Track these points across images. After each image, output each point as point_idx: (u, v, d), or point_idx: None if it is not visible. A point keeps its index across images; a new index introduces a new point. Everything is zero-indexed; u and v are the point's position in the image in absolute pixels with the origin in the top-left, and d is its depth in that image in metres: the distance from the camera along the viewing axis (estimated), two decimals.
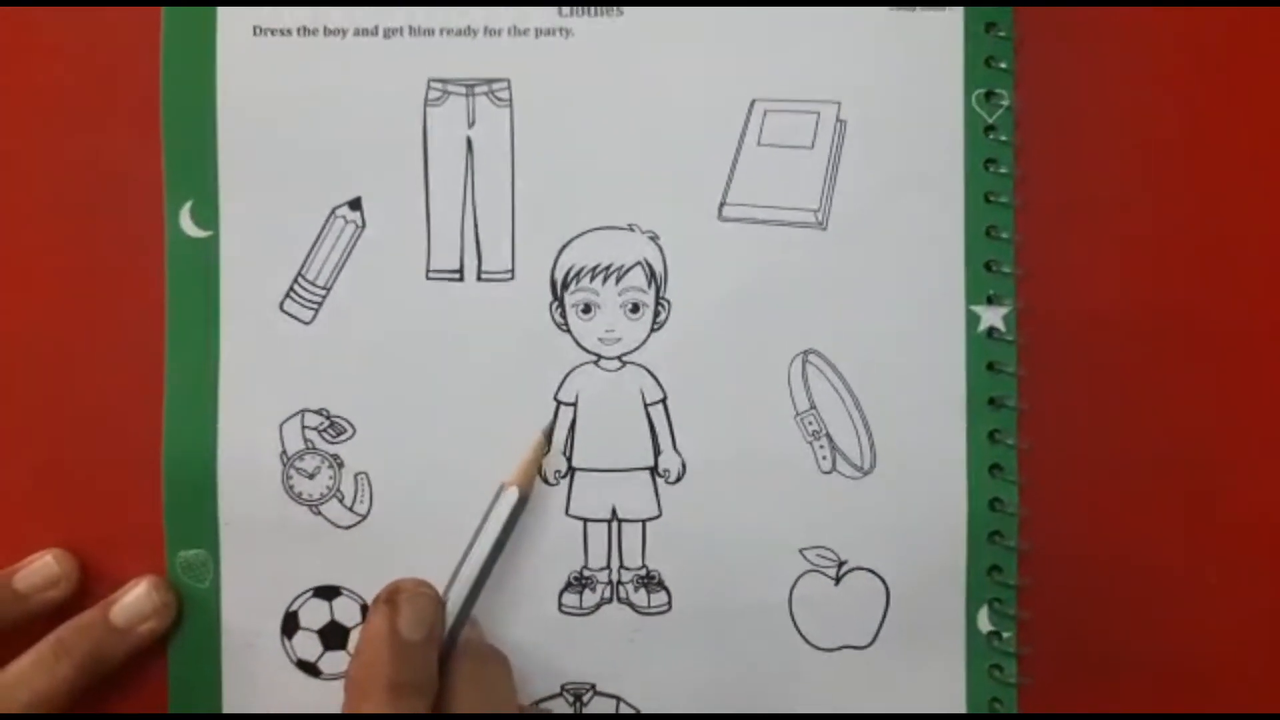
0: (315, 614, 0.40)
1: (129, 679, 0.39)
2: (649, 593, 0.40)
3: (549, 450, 0.40)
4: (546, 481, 0.40)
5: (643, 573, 0.40)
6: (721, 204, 0.40)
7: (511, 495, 0.38)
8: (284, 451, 0.40)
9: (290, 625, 0.40)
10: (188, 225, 0.40)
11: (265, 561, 0.40)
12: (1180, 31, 0.41)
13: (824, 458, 0.40)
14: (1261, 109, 0.41)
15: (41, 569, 0.40)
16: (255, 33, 0.40)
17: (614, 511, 0.40)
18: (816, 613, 0.40)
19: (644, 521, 0.40)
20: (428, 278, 0.40)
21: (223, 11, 0.40)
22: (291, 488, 0.40)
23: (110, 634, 0.39)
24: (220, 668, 0.40)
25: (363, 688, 0.35)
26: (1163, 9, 0.40)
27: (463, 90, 0.40)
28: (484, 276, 0.40)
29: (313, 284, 0.40)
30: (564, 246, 0.40)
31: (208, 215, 0.40)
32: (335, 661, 0.40)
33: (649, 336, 0.40)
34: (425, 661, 0.36)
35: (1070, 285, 0.40)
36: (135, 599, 0.39)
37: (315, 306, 0.40)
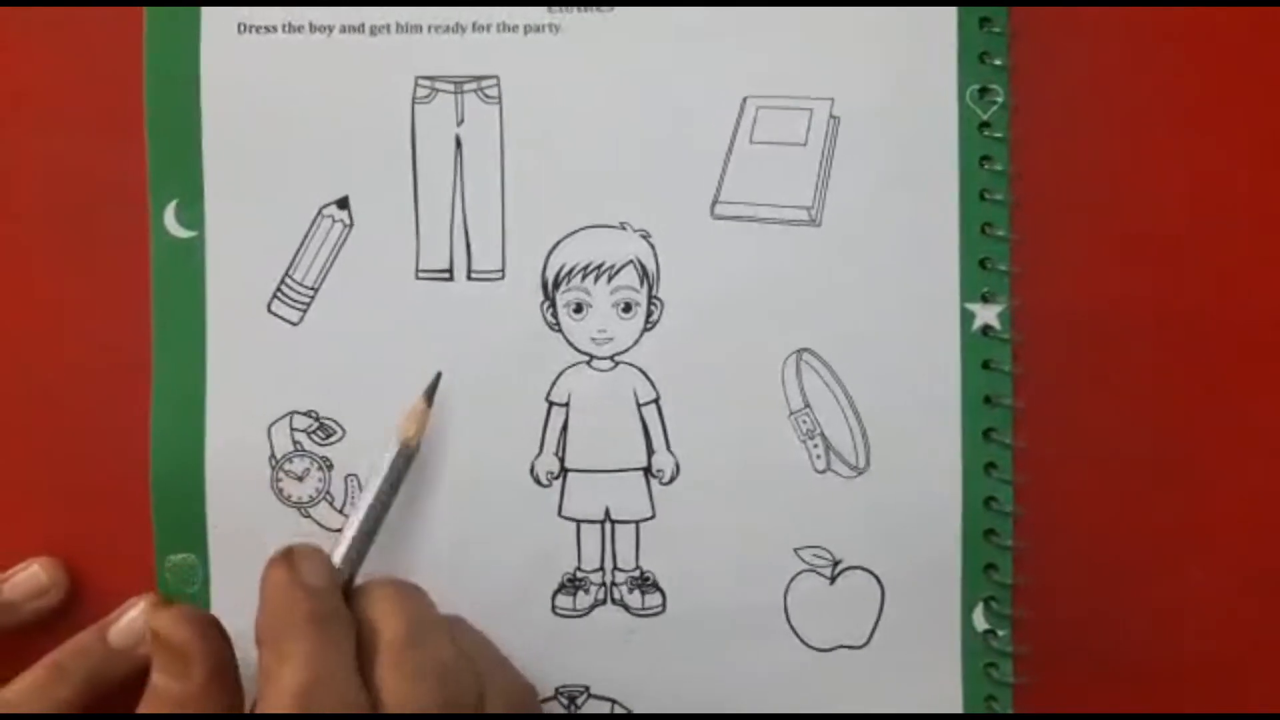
0: None
1: (124, 694, 0.39)
2: (643, 594, 0.40)
3: (430, 406, 0.39)
4: (539, 483, 0.40)
5: (637, 574, 0.40)
6: (714, 202, 0.40)
7: (398, 448, 0.38)
8: (273, 454, 0.40)
9: None
10: (173, 226, 0.40)
11: (254, 565, 0.39)
12: (1176, 28, 0.40)
13: (818, 457, 0.40)
14: (1258, 106, 0.40)
15: (29, 578, 0.39)
16: (240, 30, 0.40)
17: (607, 512, 0.40)
18: (812, 612, 0.40)
19: (637, 522, 0.40)
20: (417, 277, 0.40)
21: (206, 9, 0.40)
22: (280, 490, 0.40)
23: (109, 656, 0.38)
24: None
25: (279, 630, 0.33)
26: (1158, 7, 0.40)
27: (451, 88, 0.40)
28: (474, 276, 0.40)
29: (300, 284, 0.40)
30: (555, 245, 0.40)
31: (193, 215, 0.40)
32: None
33: (641, 336, 0.40)
34: (337, 599, 0.35)
35: (1066, 283, 0.40)
36: (133, 619, 0.39)
37: (303, 307, 0.40)
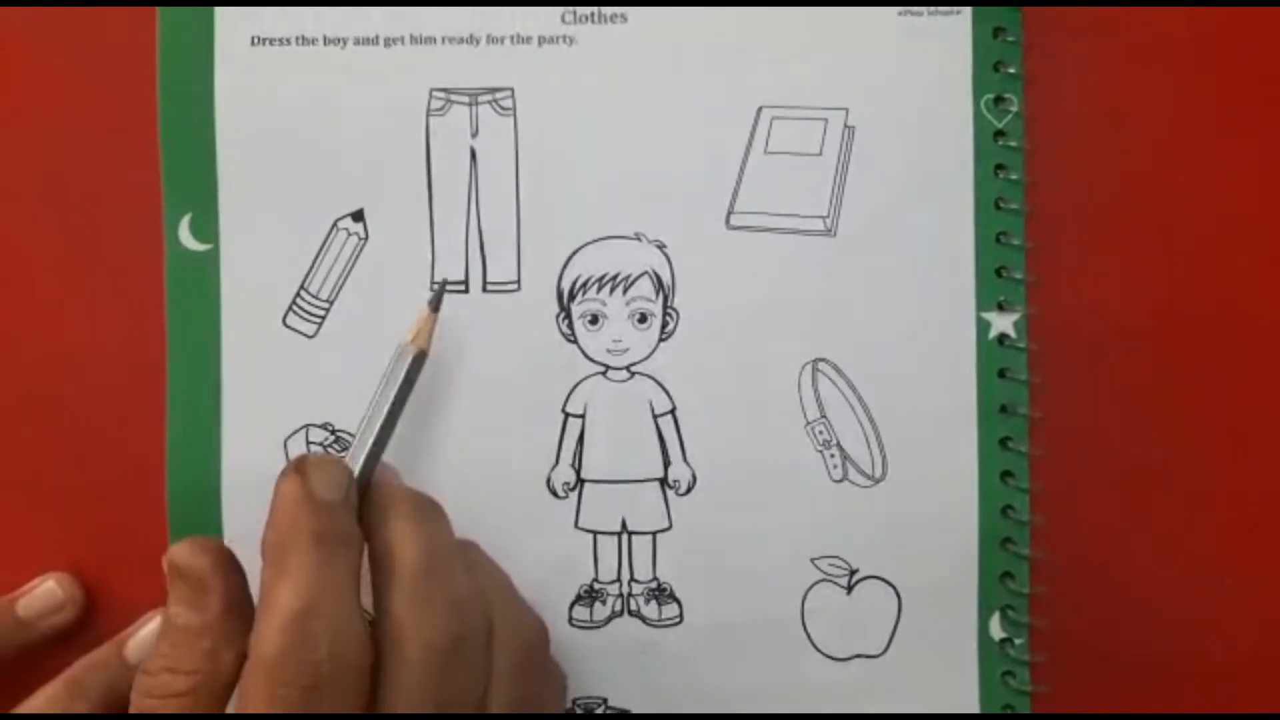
0: None
1: None
2: (660, 605, 0.40)
3: (437, 312, 0.38)
4: (555, 494, 0.40)
5: (653, 585, 0.40)
6: (729, 212, 0.40)
7: (409, 353, 0.37)
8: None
9: None
10: (187, 239, 0.40)
11: None
12: (1190, 33, 0.40)
13: (835, 467, 0.40)
14: (1274, 112, 0.40)
15: (44, 595, 0.39)
16: (253, 43, 0.40)
17: (624, 523, 0.40)
18: (829, 622, 0.40)
19: (654, 533, 0.40)
20: (431, 289, 0.40)
21: (220, 22, 0.39)
22: None
23: (126, 671, 0.38)
24: None
25: (282, 546, 0.32)
26: (1172, 9, 0.40)
27: (466, 99, 0.40)
28: (489, 288, 0.40)
29: (315, 297, 0.40)
30: (570, 257, 0.40)
31: (207, 228, 0.40)
32: None
33: (657, 347, 0.40)
34: (347, 518, 0.34)
35: (1082, 291, 0.40)
36: (150, 634, 0.39)
37: (318, 320, 0.40)
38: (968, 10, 0.40)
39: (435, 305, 0.38)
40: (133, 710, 0.33)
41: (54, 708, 0.37)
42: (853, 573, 0.40)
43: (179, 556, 0.34)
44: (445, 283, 0.39)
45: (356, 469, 0.36)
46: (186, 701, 0.33)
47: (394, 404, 0.37)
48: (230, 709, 0.33)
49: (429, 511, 0.35)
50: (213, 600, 0.34)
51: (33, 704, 0.37)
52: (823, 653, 0.40)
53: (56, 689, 0.38)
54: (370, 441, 0.36)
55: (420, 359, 0.38)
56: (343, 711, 0.31)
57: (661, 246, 0.40)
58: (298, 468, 0.34)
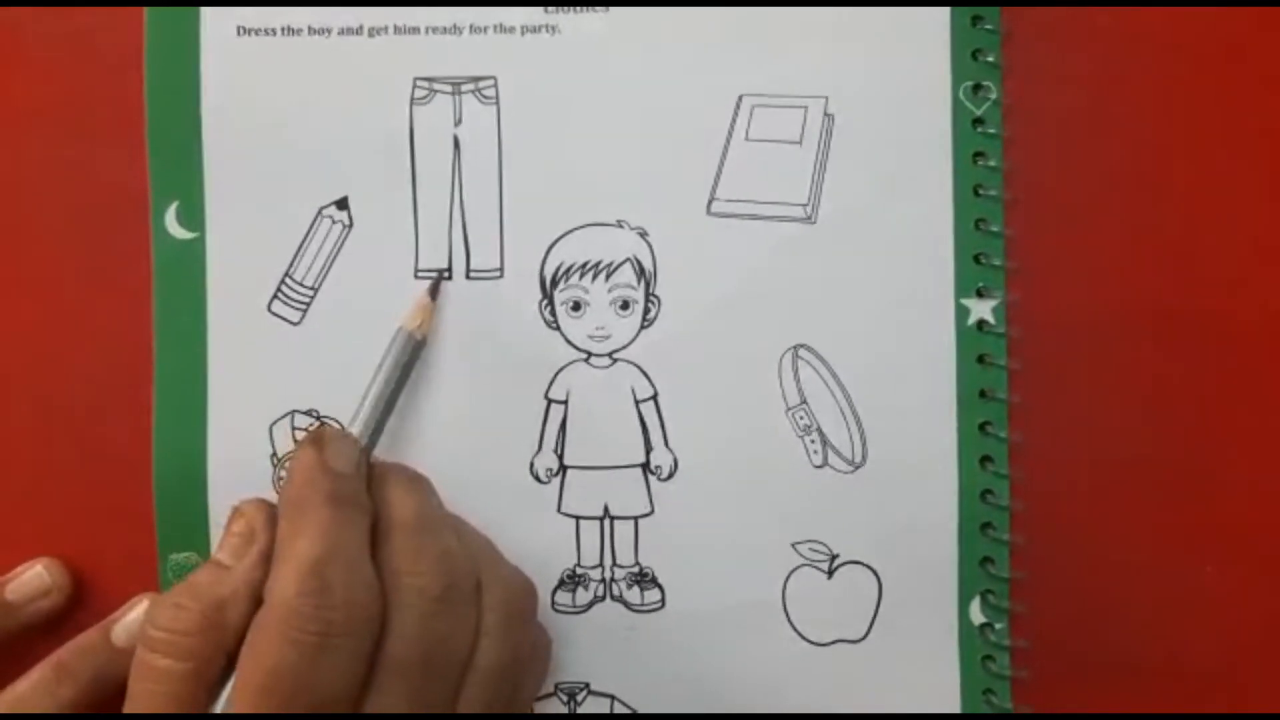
0: None
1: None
2: (642, 590, 0.40)
3: (437, 295, 0.40)
4: (538, 480, 0.40)
5: (636, 570, 0.40)
6: (710, 200, 0.40)
7: (411, 340, 0.39)
8: (274, 453, 0.40)
9: None
10: (174, 227, 0.40)
11: None
12: (1166, 26, 0.41)
13: (815, 452, 0.40)
14: (1249, 104, 0.41)
15: (32, 579, 0.40)
16: (239, 33, 0.40)
17: (606, 509, 0.40)
18: (810, 607, 0.40)
19: (636, 519, 0.40)
20: (416, 276, 0.40)
21: (206, 12, 0.40)
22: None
23: (112, 654, 0.38)
24: None
25: (300, 504, 0.35)
26: (1149, 7, 0.40)
27: (449, 89, 0.40)
28: (473, 275, 0.40)
29: (300, 284, 0.40)
30: (553, 244, 0.40)
31: (194, 217, 0.40)
32: None
33: (639, 333, 0.40)
34: (359, 486, 0.36)
35: (1060, 278, 0.40)
36: (137, 618, 0.39)
37: (303, 307, 0.40)
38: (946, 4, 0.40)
39: (434, 294, 0.39)
40: (138, 645, 0.34)
41: (41, 690, 0.38)
42: (833, 557, 0.40)
43: (247, 506, 0.37)
44: (443, 273, 0.40)
45: (364, 439, 0.38)
46: (190, 644, 0.34)
47: (394, 389, 0.38)
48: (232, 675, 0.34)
49: (421, 480, 0.38)
50: (252, 553, 0.36)
51: (19, 687, 0.38)
52: (804, 637, 0.40)
53: (43, 672, 0.38)
54: (370, 424, 0.38)
55: (419, 346, 0.39)
56: (353, 658, 0.33)
57: (643, 234, 0.40)
58: (315, 439, 0.36)
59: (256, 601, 0.34)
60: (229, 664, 0.34)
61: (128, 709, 0.34)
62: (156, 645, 0.34)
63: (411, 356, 0.39)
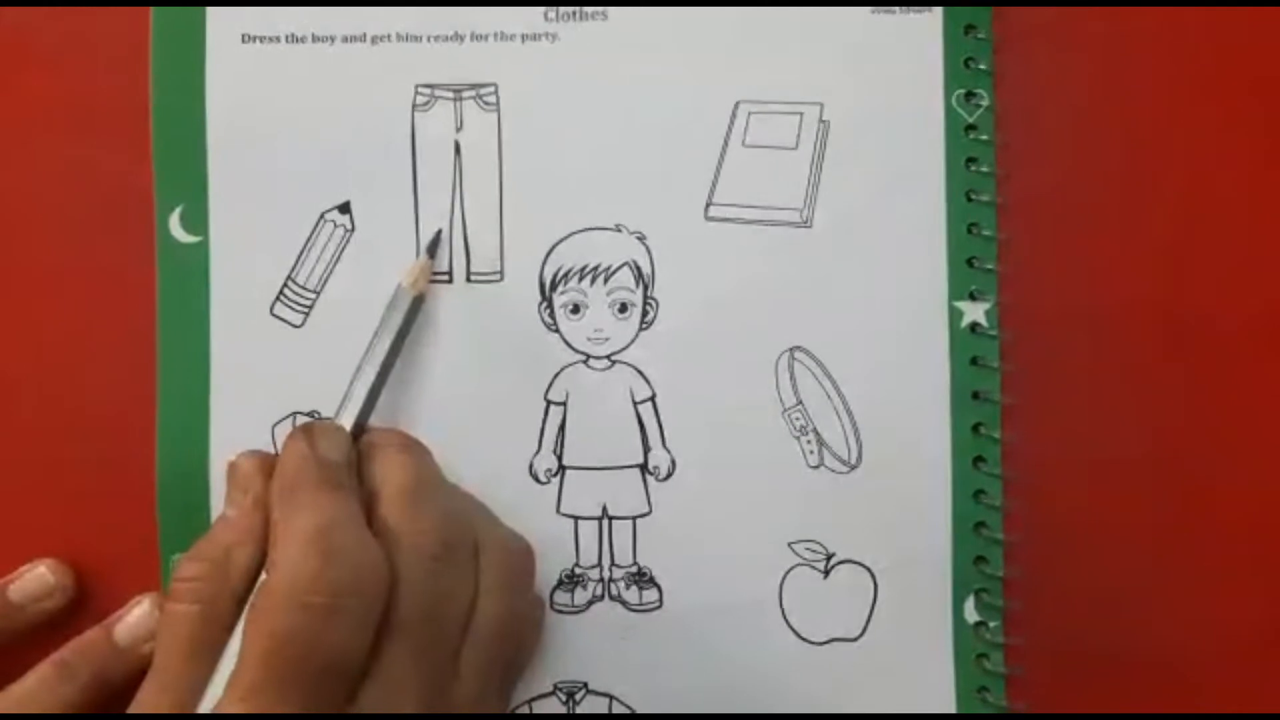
0: None
1: (130, 692, 0.39)
2: (640, 589, 0.41)
3: (434, 258, 0.40)
4: (537, 481, 0.41)
5: (634, 570, 0.41)
6: (708, 204, 0.41)
7: (406, 296, 0.39)
8: (277, 454, 0.40)
9: None
10: (178, 231, 0.41)
11: None
12: (1157, 30, 0.41)
13: (811, 453, 0.41)
14: (1241, 106, 0.41)
15: (36, 579, 0.40)
16: (244, 40, 0.41)
17: (604, 509, 0.41)
18: (806, 606, 0.41)
19: (634, 519, 0.41)
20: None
21: (211, 19, 0.41)
22: None
23: (115, 654, 0.39)
24: None
25: (293, 489, 0.35)
26: (1141, 9, 0.41)
27: (450, 95, 0.41)
28: (473, 278, 0.41)
29: (303, 287, 0.41)
30: (552, 248, 0.41)
31: (198, 221, 0.41)
32: None
33: (637, 335, 0.41)
34: (348, 474, 0.36)
35: (1051, 280, 0.41)
36: (138, 618, 0.39)
37: (305, 310, 0.41)
38: (939, 8, 0.41)
39: (432, 251, 0.40)
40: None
41: (43, 689, 0.38)
42: (829, 557, 0.41)
43: (240, 459, 0.38)
44: (440, 231, 0.41)
45: (357, 406, 0.38)
46: (198, 587, 0.35)
47: (392, 345, 0.39)
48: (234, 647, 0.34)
49: (417, 446, 0.38)
50: (247, 500, 0.36)
51: (22, 685, 0.38)
52: (800, 636, 0.41)
53: (46, 671, 0.38)
54: (370, 379, 0.38)
55: (418, 303, 0.39)
56: (363, 619, 0.33)
57: (641, 238, 0.41)
58: (305, 431, 0.37)
59: (257, 546, 0.35)
60: (237, 607, 0.34)
61: (154, 666, 0.35)
62: (173, 595, 0.35)
63: (409, 315, 0.39)
